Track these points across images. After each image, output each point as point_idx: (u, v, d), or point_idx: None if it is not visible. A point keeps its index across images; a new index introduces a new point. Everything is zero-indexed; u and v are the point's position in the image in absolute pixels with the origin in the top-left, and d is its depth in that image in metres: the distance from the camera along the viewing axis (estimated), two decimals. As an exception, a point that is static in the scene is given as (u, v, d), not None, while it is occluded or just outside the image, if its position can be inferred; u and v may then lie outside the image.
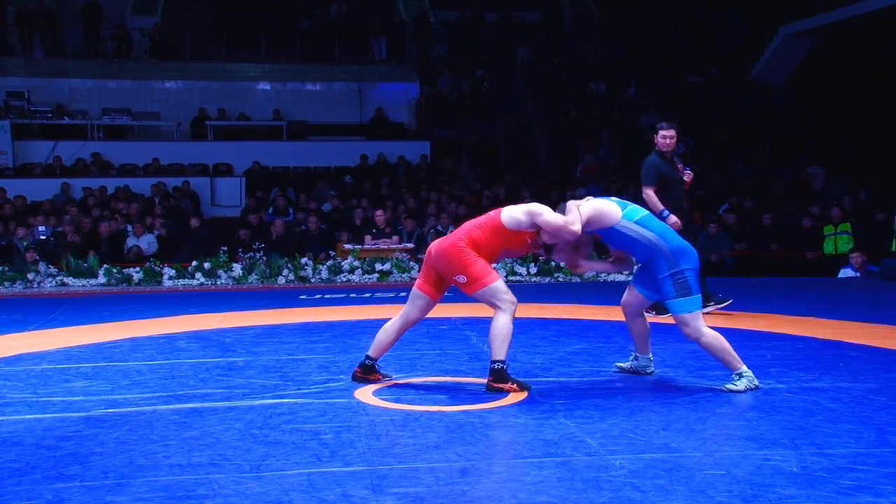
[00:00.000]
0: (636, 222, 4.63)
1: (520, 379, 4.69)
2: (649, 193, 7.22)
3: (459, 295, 4.82)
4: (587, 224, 4.65)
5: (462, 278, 4.58)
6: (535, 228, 4.65)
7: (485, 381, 4.73)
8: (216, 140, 17.81)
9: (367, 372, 4.87)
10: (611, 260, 5.15)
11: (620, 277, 10.43)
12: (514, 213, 4.66)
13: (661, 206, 7.16)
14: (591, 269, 5.23)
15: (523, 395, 4.53)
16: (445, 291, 4.82)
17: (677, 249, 4.62)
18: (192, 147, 17.48)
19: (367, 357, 4.87)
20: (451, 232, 4.92)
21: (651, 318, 6.84)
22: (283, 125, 18.14)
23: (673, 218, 7.07)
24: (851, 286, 10.47)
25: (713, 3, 21.26)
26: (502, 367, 4.57)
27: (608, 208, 4.66)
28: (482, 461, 3.45)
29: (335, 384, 4.86)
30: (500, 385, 4.56)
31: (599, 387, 4.78)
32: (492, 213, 4.79)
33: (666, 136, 7.29)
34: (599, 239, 4.85)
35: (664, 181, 7.27)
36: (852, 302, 8.92)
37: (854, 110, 17.87)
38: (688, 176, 7.40)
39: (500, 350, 4.56)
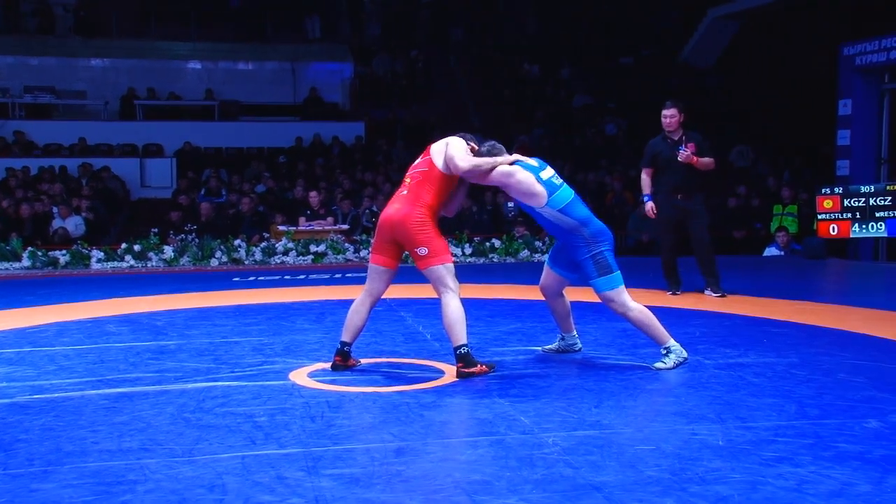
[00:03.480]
0: (559, 211, 4.61)
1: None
2: (642, 175, 7.52)
3: (396, 277, 4.80)
4: (509, 188, 4.68)
5: (424, 251, 4.49)
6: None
7: (420, 361, 4.75)
8: (146, 120, 17.43)
9: (345, 358, 4.72)
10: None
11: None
12: (441, 156, 4.65)
13: (645, 190, 7.48)
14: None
15: (455, 376, 4.54)
16: (401, 258, 4.75)
17: (596, 232, 4.67)
18: (120, 127, 17.08)
19: (343, 343, 4.70)
20: (400, 195, 4.67)
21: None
22: (215, 105, 17.84)
23: (648, 206, 7.44)
24: (776, 264, 10.77)
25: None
26: (468, 351, 4.50)
27: (537, 191, 4.60)
28: (417, 441, 3.47)
29: (269, 367, 4.82)
30: (471, 370, 4.48)
31: (533, 366, 4.84)
32: (422, 168, 4.68)
33: (666, 116, 7.37)
34: (519, 205, 4.91)
35: (656, 162, 7.41)
36: (777, 280, 9.19)
37: (778, 92, 18.30)
38: (681, 155, 7.22)
39: (460, 334, 4.48)
